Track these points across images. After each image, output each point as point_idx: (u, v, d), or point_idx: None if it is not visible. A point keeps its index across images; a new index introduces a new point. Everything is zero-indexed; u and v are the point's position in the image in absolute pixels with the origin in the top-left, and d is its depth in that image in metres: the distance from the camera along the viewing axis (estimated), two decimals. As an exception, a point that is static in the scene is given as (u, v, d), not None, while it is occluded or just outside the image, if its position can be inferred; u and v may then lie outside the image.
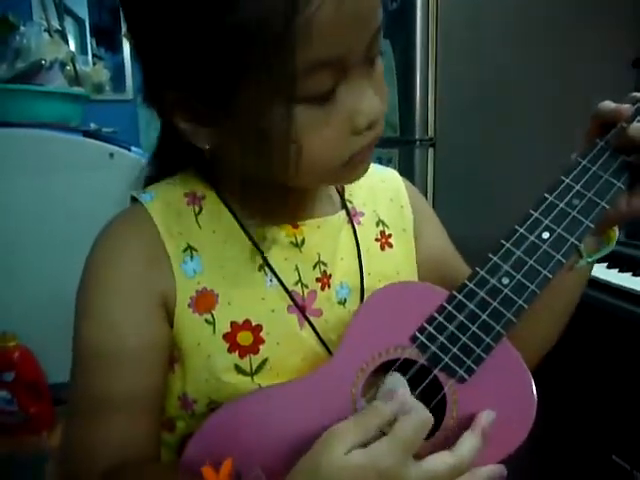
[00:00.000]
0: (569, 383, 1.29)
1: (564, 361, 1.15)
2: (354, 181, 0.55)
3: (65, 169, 1.70)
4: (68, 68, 1.95)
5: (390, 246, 0.63)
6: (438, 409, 0.49)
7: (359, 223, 0.62)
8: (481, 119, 1.38)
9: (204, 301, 0.53)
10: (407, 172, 1.40)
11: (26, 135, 1.61)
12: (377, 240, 0.63)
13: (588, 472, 1.21)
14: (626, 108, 0.51)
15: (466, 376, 0.48)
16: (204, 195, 0.56)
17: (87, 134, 1.83)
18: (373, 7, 0.44)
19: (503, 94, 1.38)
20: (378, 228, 0.63)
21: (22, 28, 1.72)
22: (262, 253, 0.55)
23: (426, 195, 1.39)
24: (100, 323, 0.52)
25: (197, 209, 0.56)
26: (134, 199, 0.57)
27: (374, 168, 0.68)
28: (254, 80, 0.42)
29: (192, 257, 0.54)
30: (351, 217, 0.62)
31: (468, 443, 0.44)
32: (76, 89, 1.92)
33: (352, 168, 0.51)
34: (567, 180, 0.52)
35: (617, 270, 1.11)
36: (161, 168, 0.60)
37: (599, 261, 1.13)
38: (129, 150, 1.76)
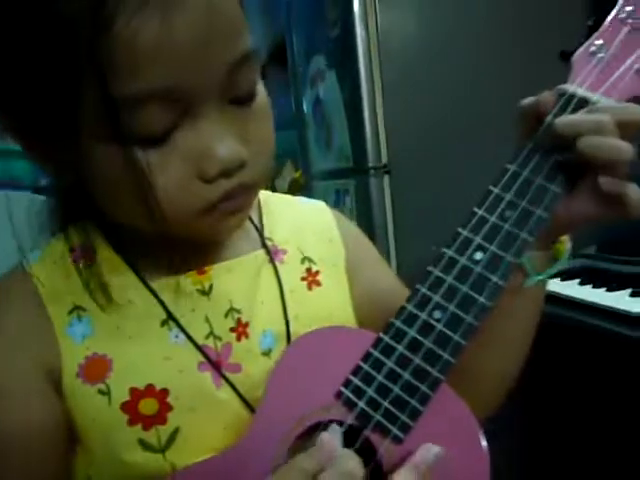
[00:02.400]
0: (549, 404, 1.24)
1: (543, 383, 1.11)
2: (221, 237, 0.51)
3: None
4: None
5: (319, 284, 0.57)
6: (377, 476, 0.41)
7: (281, 262, 0.56)
8: (434, 142, 1.35)
9: (95, 369, 0.47)
10: (364, 202, 1.38)
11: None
12: (303, 279, 0.56)
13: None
14: (546, 97, 0.46)
15: (401, 435, 0.41)
16: (95, 248, 0.50)
17: (38, 191, 1.78)
18: (218, 33, 0.38)
19: (453, 115, 1.35)
20: (304, 265, 0.57)
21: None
22: (164, 306, 0.49)
23: (385, 222, 1.35)
24: None
25: (86, 264, 0.49)
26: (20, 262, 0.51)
27: (298, 201, 0.63)
28: (72, 116, 0.37)
29: (80, 318, 0.48)
30: (272, 256, 0.55)
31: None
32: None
33: (214, 221, 0.44)
34: (496, 190, 0.44)
35: (591, 286, 1.06)
36: (53, 221, 0.53)
37: (571, 277, 1.10)
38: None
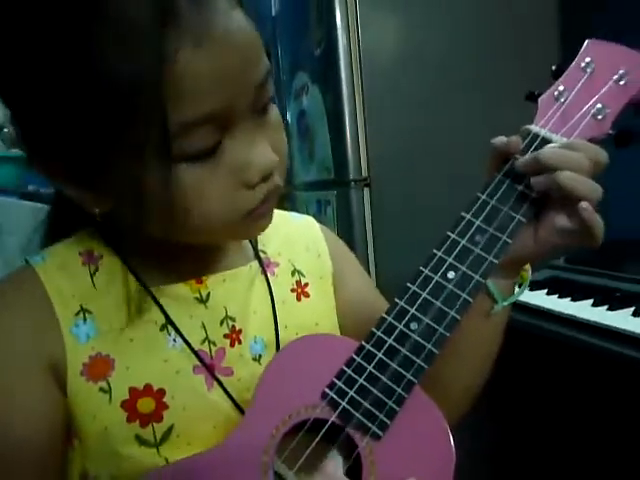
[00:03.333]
0: (513, 411, 1.28)
1: (507, 390, 1.14)
2: (256, 235, 0.53)
3: (2, 232, 1.65)
4: (6, 130, 1.91)
5: (307, 296, 0.61)
6: (356, 469, 0.46)
7: (273, 274, 0.60)
8: (414, 156, 1.39)
9: (98, 368, 0.49)
10: (345, 213, 1.41)
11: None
12: (293, 290, 0.60)
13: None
14: (515, 140, 0.51)
15: (379, 432, 0.45)
16: (101, 254, 0.53)
17: (24, 196, 1.78)
18: (251, 60, 0.43)
19: (433, 130, 1.40)
20: (294, 278, 0.61)
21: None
22: (164, 312, 0.52)
23: (365, 234, 1.39)
24: None
25: (93, 268, 0.52)
26: (27, 261, 0.53)
27: (290, 216, 0.67)
28: (129, 143, 0.40)
29: (85, 320, 0.50)
30: (264, 268, 0.59)
31: None
32: (13, 152, 1.88)
33: (252, 222, 0.49)
34: (468, 216, 0.50)
35: (557, 296, 1.11)
36: (58, 228, 0.56)
37: (539, 287, 1.15)
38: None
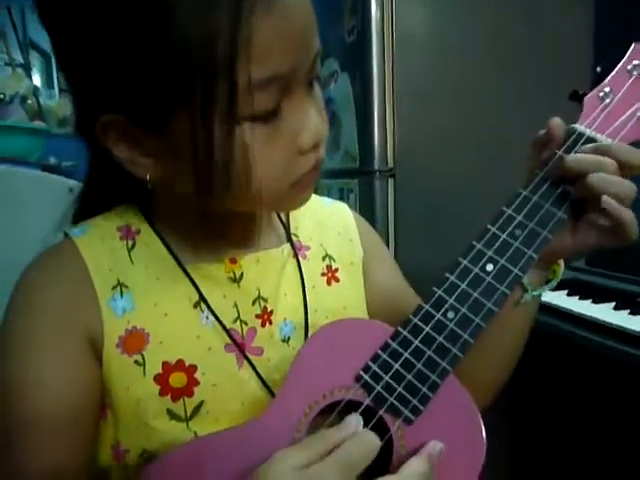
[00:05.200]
0: (532, 411, 1.29)
1: (525, 390, 1.14)
2: (298, 207, 0.53)
3: (22, 203, 1.66)
4: (30, 102, 1.92)
5: (337, 280, 0.62)
6: (386, 453, 0.46)
7: (305, 257, 0.60)
8: (440, 149, 1.39)
9: (133, 341, 0.50)
10: (367, 203, 1.41)
11: (-20, 169, 1.57)
12: (323, 275, 0.61)
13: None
14: (558, 132, 0.51)
15: (412, 417, 0.46)
16: (139, 229, 0.54)
17: (46, 168, 1.79)
18: (311, 28, 0.45)
19: (462, 124, 1.39)
20: (324, 262, 0.62)
21: (-18, 63, 1.71)
22: (198, 289, 0.53)
23: (387, 225, 1.39)
24: (22, 381, 0.49)
25: (130, 244, 0.53)
26: (66, 235, 0.54)
27: (323, 201, 0.68)
28: (196, 99, 0.41)
29: (122, 294, 0.51)
30: (296, 251, 0.60)
31: (413, 465, 0.43)
32: (36, 123, 1.88)
33: (297, 192, 0.50)
34: (509, 211, 0.51)
35: (578, 297, 1.11)
36: (94, 202, 0.57)
37: (560, 288, 1.15)
38: (88, 183, 1.73)
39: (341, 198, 1.54)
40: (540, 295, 0.56)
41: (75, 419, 0.50)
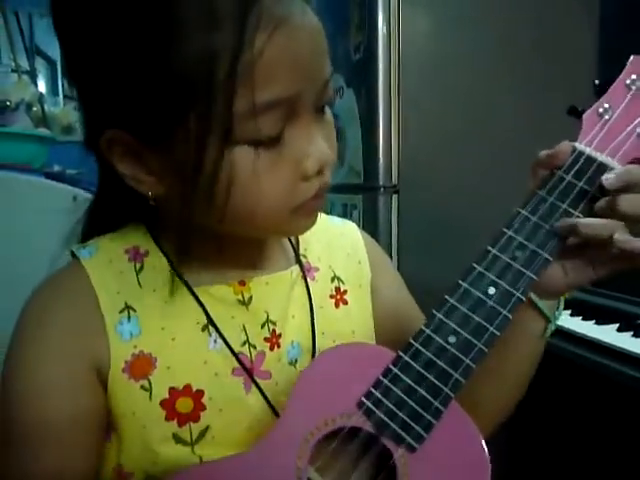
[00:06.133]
0: (533, 433, 1.27)
1: (526, 412, 1.13)
2: (301, 233, 0.53)
3: (26, 210, 1.66)
4: (35, 109, 1.93)
5: (345, 303, 0.61)
6: (389, 480, 0.46)
7: (313, 279, 0.60)
8: (444, 166, 1.39)
9: (140, 366, 0.50)
10: (371, 218, 1.41)
11: (-15, 176, 1.57)
12: (332, 297, 0.60)
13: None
14: (560, 153, 0.50)
15: (415, 444, 0.45)
16: (147, 251, 0.54)
17: (50, 176, 1.79)
18: (321, 54, 0.45)
19: (466, 142, 1.40)
20: (333, 284, 0.61)
21: (-12, 69, 1.72)
22: (206, 312, 0.52)
23: (390, 241, 1.39)
24: (26, 393, 0.49)
25: (138, 266, 0.53)
26: (73, 254, 0.54)
27: (332, 221, 0.67)
28: (198, 120, 0.41)
29: (129, 318, 0.50)
30: (305, 273, 0.59)
31: None
32: (41, 130, 1.89)
33: (300, 218, 0.49)
34: (509, 232, 0.50)
35: (581, 318, 1.11)
36: (104, 219, 0.57)
37: (563, 309, 1.14)
38: (92, 193, 1.72)
39: (345, 213, 1.54)
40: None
41: (77, 433, 0.49)
